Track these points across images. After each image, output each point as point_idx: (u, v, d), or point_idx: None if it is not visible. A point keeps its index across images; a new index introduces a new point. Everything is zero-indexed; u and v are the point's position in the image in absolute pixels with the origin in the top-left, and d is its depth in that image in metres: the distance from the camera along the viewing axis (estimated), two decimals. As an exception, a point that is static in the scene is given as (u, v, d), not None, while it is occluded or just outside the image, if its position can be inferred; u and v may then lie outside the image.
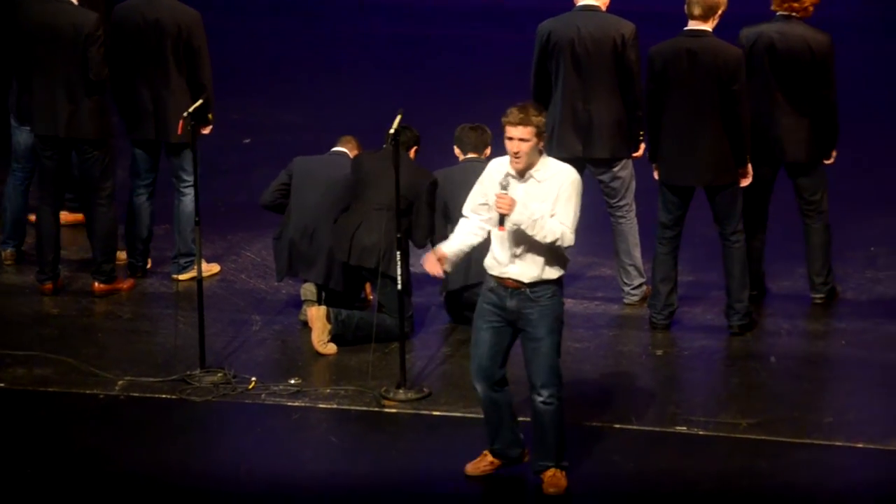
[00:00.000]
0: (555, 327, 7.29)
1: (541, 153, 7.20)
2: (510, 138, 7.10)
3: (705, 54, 8.71)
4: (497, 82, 11.20)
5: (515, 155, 7.12)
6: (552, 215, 7.14)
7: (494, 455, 7.55)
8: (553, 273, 7.26)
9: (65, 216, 10.02)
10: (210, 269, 9.75)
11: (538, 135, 7.11)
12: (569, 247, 7.18)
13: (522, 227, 7.12)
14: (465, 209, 7.41)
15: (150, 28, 9.40)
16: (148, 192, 9.67)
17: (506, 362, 7.38)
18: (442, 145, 9.44)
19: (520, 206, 7.11)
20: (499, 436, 7.52)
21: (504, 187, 7.14)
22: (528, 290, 7.23)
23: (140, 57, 9.44)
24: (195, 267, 9.54)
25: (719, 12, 8.77)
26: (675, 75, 8.78)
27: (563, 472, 7.39)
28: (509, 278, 7.24)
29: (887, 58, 13.89)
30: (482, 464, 7.58)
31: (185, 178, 9.41)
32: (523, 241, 7.18)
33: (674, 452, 7.84)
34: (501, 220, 7.18)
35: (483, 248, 7.80)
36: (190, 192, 9.32)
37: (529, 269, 7.22)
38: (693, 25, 8.77)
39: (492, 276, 7.31)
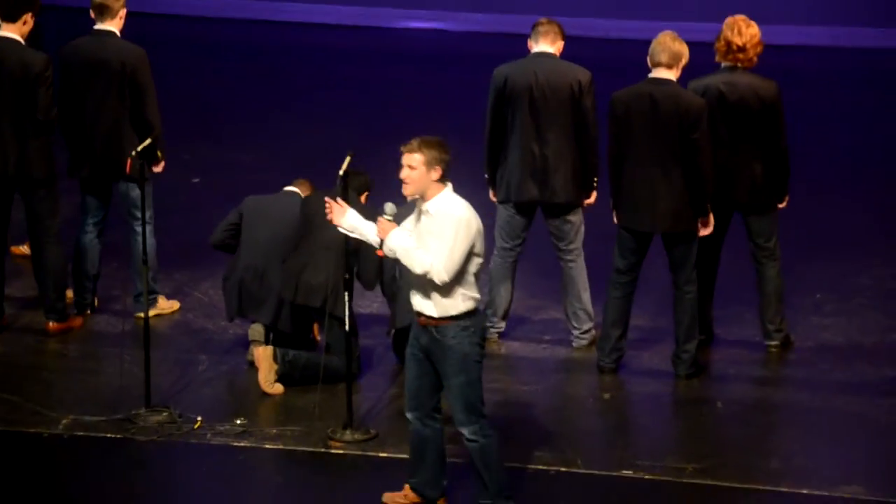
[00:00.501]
0: (463, 367, 7.37)
1: (441, 187, 7.37)
2: (401, 165, 7.35)
3: (667, 102, 8.75)
4: (450, 124, 11.23)
5: (403, 181, 7.35)
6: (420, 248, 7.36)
7: (412, 489, 7.59)
8: (453, 309, 7.34)
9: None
10: (171, 305, 9.76)
11: (427, 164, 7.30)
12: (440, 281, 7.26)
13: (396, 254, 7.38)
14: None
15: (96, 66, 9.39)
16: (97, 230, 9.64)
17: (435, 394, 7.45)
18: (396, 185, 9.39)
19: (396, 234, 7.38)
20: (417, 471, 7.58)
21: (388, 213, 7.44)
22: (433, 328, 7.36)
23: (87, 95, 9.42)
24: (158, 303, 9.67)
25: (682, 62, 8.83)
26: (637, 120, 8.81)
27: None
28: (418, 312, 7.42)
29: (826, 102, 14.05)
30: (398, 497, 7.61)
31: (138, 215, 9.32)
32: (419, 279, 7.39)
33: (620, 497, 7.83)
34: (381, 244, 7.46)
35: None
36: (148, 228, 9.20)
37: (429, 303, 7.37)
38: (657, 73, 8.81)
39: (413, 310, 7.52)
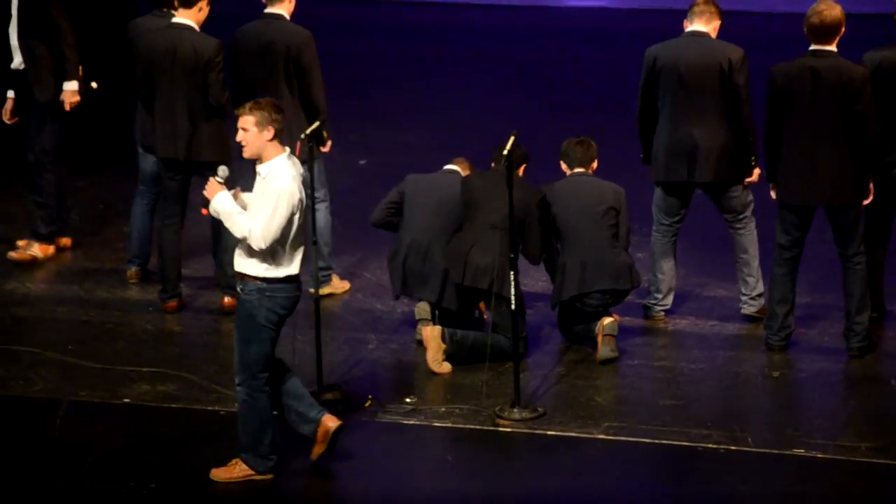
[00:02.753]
0: (245, 324, 7.56)
1: (278, 150, 7.51)
2: (237, 129, 7.53)
3: (829, 73, 8.58)
4: (598, 99, 11.21)
5: (239, 142, 7.51)
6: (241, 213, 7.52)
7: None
8: (253, 270, 7.51)
9: (41, 249, 10.39)
10: (343, 285, 9.85)
11: (258, 125, 7.43)
12: (257, 248, 7.42)
13: (220, 216, 7.55)
14: None
15: (263, 50, 9.45)
16: None
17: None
18: (545, 161, 9.42)
19: (222, 196, 7.52)
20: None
21: (219, 175, 7.59)
22: (239, 279, 7.58)
23: (256, 79, 9.49)
24: (332, 281, 9.74)
25: (840, 33, 8.64)
26: (798, 94, 8.64)
27: (242, 464, 7.64)
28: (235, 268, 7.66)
29: None
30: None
31: (315, 194, 9.37)
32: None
33: (791, 476, 7.70)
34: (206, 203, 7.61)
35: (589, 248, 8.31)
36: (320, 206, 9.37)
37: (239, 259, 7.58)
38: (817, 47, 8.63)
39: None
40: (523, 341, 8.77)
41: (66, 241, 10.58)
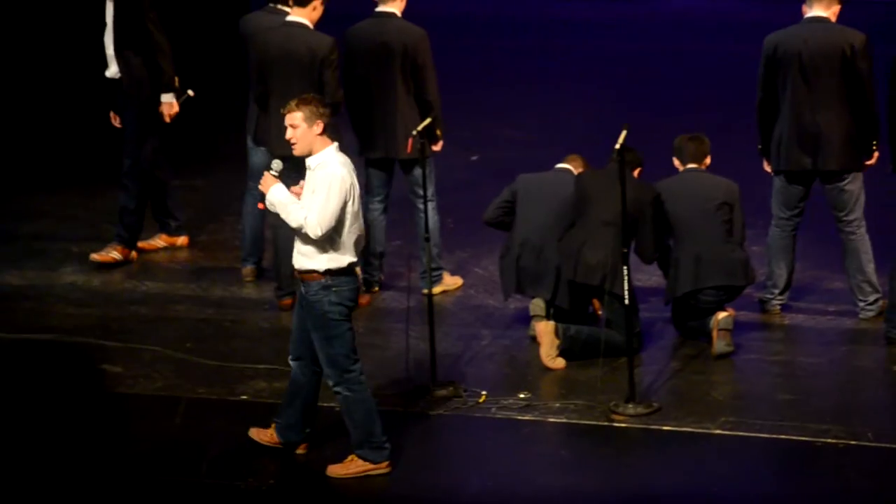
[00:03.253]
0: (321, 323, 7.56)
1: (327, 142, 7.53)
2: (285, 126, 7.56)
3: None
4: (711, 95, 11.13)
5: (289, 140, 7.52)
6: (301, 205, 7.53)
7: (276, 431, 7.88)
8: (317, 265, 7.51)
9: (165, 239, 10.58)
10: (455, 281, 9.88)
11: (307, 120, 7.47)
12: (315, 236, 7.45)
13: (276, 209, 7.57)
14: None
15: (378, 49, 9.49)
16: (382, 208, 9.75)
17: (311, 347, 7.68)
18: (658, 158, 9.39)
19: (277, 189, 7.53)
20: (283, 413, 7.85)
21: (274, 169, 7.58)
22: (302, 282, 7.59)
23: (371, 77, 9.54)
24: (443, 279, 9.78)
25: None
26: None
27: (358, 459, 7.67)
28: (294, 265, 7.66)
29: None
30: (263, 433, 7.91)
31: (421, 193, 9.44)
32: (298, 232, 7.58)
33: None
34: (262, 197, 7.63)
35: (703, 244, 8.29)
36: (431, 205, 9.42)
37: (299, 258, 7.58)
38: None
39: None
40: (637, 337, 8.75)
41: (183, 240, 10.74)
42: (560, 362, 8.75)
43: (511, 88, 13.76)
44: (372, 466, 7.64)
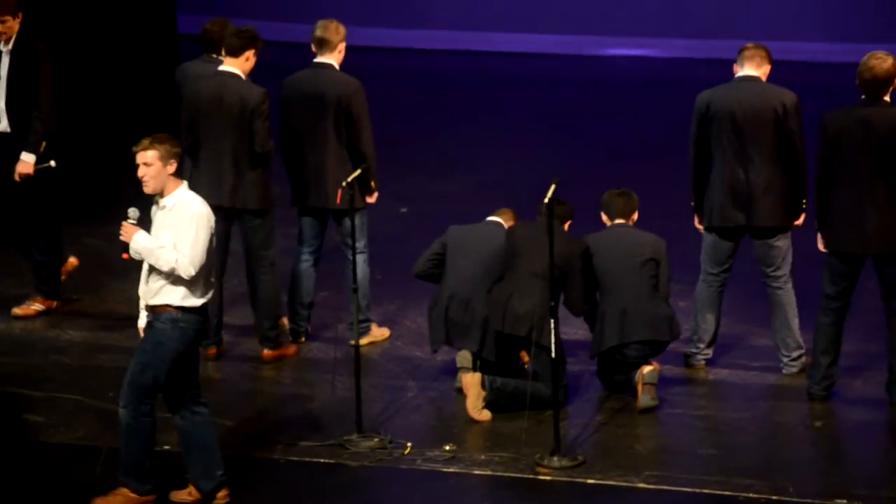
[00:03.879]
0: (150, 348, 7.63)
1: (178, 183, 7.67)
2: (137, 164, 7.59)
3: (881, 123, 8.58)
4: (642, 150, 11.20)
5: (141, 179, 7.59)
6: (165, 247, 7.59)
7: (191, 483, 7.88)
8: (168, 298, 7.61)
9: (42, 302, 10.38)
10: (382, 333, 9.86)
11: (161, 159, 7.55)
12: (188, 277, 7.56)
13: (142, 255, 7.60)
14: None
15: (313, 99, 9.51)
16: (312, 260, 9.75)
17: (184, 387, 7.75)
18: (588, 211, 9.44)
19: (140, 235, 7.61)
20: (188, 464, 7.88)
21: (131, 217, 7.64)
22: (152, 313, 7.66)
23: (305, 127, 9.56)
24: (371, 331, 9.73)
25: (893, 85, 8.63)
26: (849, 143, 8.63)
27: (122, 490, 7.75)
28: (148, 305, 7.71)
29: None
30: (183, 494, 7.88)
31: (356, 244, 9.39)
32: (151, 268, 7.64)
33: None
34: (125, 248, 7.65)
35: (630, 298, 8.25)
36: (360, 258, 9.41)
37: (153, 293, 7.64)
38: (870, 97, 8.64)
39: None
40: (563, 389, 8.74)
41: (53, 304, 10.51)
42: (486, 414, 8.72)
43: (446, 142, 13.82)
44: (136, 498, 7.71)
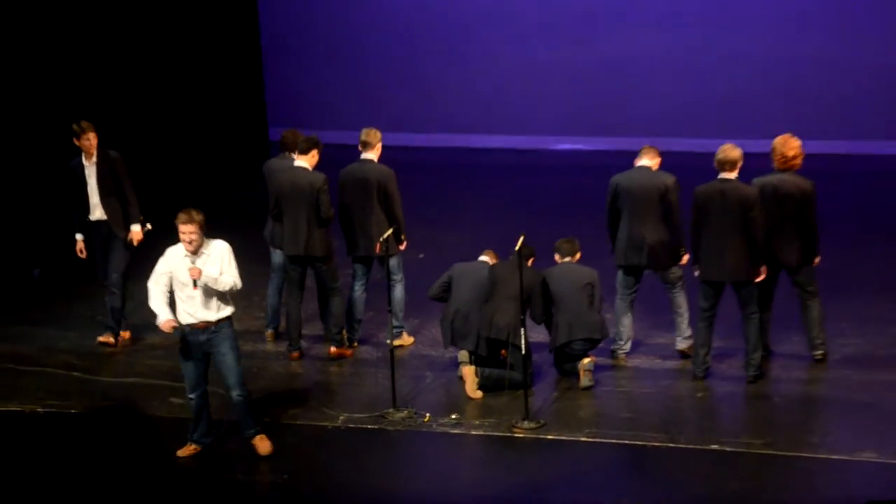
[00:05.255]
0: (234, 345, 7.62)
1: (204, 238, 7.53)
2: (183, 233, 7.44)
3: (733, 193, 8.60)
4: (581, 215, 10.77)
5: (189, 243, 7.45)
6: (221, 273, 7.52)
7: (194, 442, 7.78)
8: (226, 311, 7.60)
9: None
10: (408, 339, 9.63)
11: (202, 226, 7.48)
12: (239, 288, 7.54)
13: (210, 283, 7.46)
14: (152, 281, 7.62)
15: (361, 182, 9.33)
16: (363, 289, 9.51)
17: (206, 379, 7.71)
18: (545, 254, 9.34)
19: (207, 269, 7.47)
20: (197, 429, 7.75)
21: (193, 262, 7.48)
22: (213, 326, 7.53)
23: (356, 200, 9.35)
24: (403, 337, 9.61)
25: (740, 165, 8.72)
26: (712, 206, 8.62)
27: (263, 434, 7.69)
28: (201, 321, 7.55)
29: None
30: (188, 450, 7.76)
31: (393, 277, 9.39)
32: (208, 294, 7.51)
33: (709, 464, 7.68)
34: (195, 283, 7.48)
35: (574, 311, 8.17)
36: (397, 285, 9.40)
37: (214, 311, 7.53)
38: (724, 175, 8.73)
39: (187, 324, 7.58)
40: (531, 375, 8.65)
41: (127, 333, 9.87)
42: (479, 394, 8.67)
43: (449, 212, 13.16)
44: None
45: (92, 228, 9.69)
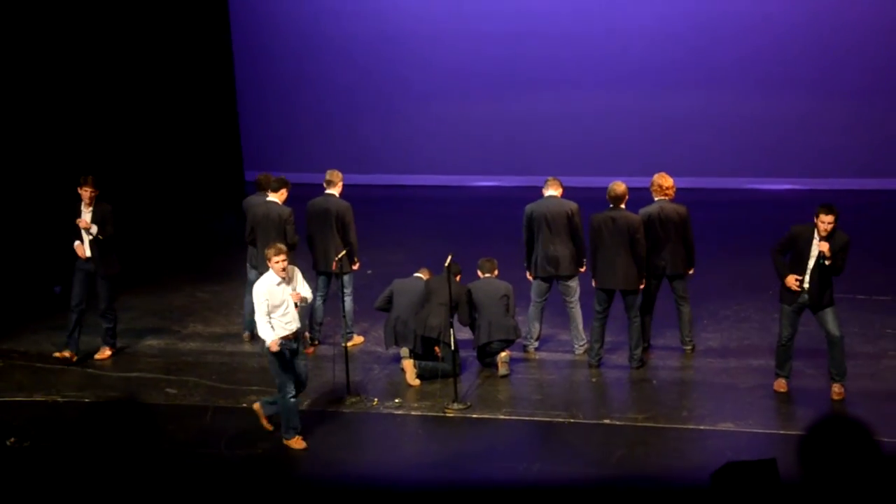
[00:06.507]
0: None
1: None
2: (277, 262, 7.40)
3: (621, 219, 8.69)
4: (506, 237, 10.79)
5: (283, 270, 7.44)
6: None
7: (300, 434, 7.64)
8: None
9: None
10: (359, 339, 9.57)
11: (288, 255, 7.51)
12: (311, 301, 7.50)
13: (305, 302, 7.52)
14: (259, 312, 7.48)
15: (323, 213, 9.31)
16: (323, 298, 9.45)
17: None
18: (470, 270, 9.37)
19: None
20: (299, 422, 7.58)
21: (293, 288, 7.46)
22: (299, 335, 7.51)
23: (319, 228, 9.35)
24: (353, 338, 9.52)
25: (626, 198, 8.86)
26: (605, 230, 8.69)
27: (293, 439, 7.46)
28: (291, 333, 7.52)
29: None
30: (300, 442, 7.59)
31: (345, 290, 9.36)
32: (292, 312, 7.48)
33: (603, 436, 7.74)
34: (296, 304, 7.48)
35: (493, 316, 8.24)
36: (348, 298, 9.37)
37: (298, 323, 7.54)
38: (614, 205, 8.88)
39: (283, 337, 7.50)
40: (458, 367, 8.54)
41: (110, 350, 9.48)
42: (417, 382, 8.64)
43: (394, 238, 12.82)
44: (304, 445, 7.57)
45: (81, 263, 9.34)
